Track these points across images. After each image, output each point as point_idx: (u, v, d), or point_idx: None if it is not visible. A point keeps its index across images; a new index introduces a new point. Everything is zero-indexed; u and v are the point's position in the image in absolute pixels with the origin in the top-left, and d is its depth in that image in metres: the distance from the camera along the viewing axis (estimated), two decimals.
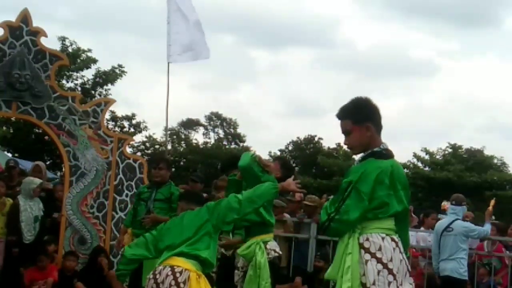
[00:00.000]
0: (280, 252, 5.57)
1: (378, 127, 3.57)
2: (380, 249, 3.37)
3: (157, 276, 4.44)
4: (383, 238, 3.40)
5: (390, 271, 3.35)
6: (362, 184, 3.39)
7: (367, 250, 3.38)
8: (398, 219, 3.51)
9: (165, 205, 6.63)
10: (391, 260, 3.37)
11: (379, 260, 3.36)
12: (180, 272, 4.42)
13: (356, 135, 3.54)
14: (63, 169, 10.29)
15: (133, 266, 4.86)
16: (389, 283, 3.34)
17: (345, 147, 3.75)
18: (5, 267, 7.66)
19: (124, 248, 5.11)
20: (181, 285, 4.38)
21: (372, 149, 3.53)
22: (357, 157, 3.67)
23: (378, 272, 3.34)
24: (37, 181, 7.98)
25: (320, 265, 7.74)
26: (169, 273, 4.42)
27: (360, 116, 3.53)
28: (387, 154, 3.54)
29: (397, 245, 3.43)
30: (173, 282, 4.40)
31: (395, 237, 3.46)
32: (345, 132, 3.58)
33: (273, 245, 5.35)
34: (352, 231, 3.42)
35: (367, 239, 3.40)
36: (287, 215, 8.50)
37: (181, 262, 4.46)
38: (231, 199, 4.59)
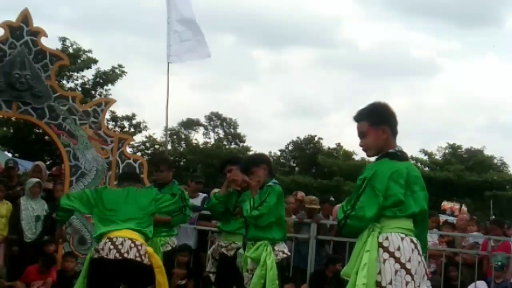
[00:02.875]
0: (289, 253, 5.56)
1: (394, 131, 3.62)
2: (399, 249, 3.38)
3: (120, 247, 4.89)
4: (402, 238, 3.41)
5: (408, 271, 3.35)
6: (376, 181, 3.42)
7: (385, 249, 3.38)
8: (416, 220, 3.52)
9: None
10: (409, 261, 3.37)
11: (397, 260, 3.36)
12: (140, 245, 4.98)
13: (371, 137, 3.60)
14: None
15: (69, 215, 5.65)
16: (407, 283, 3.34)
17: (360, 149, 3.80)
18: (8, 266, 7.69)
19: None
20: (143, 256, 4.96)
21: (387, 151, 3.58)
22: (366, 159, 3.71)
23: (396, 271, 3.34)
24: (33, 180, 8.00)
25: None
26: (132, 245, 4.93)
27: (376, 118, 3.60)
28: (401, 156, 3.59)
29: (416, 247, 3.44)
30: (137, 254, 4.93)
31: (414, 239, 3.47)
32: (361, 134, 3.64)
33: (281, 246, 5.35)
34: (372, 230, 3.43)
35: (387, 238, 3.41)
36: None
37: (137, 237, 5.03)
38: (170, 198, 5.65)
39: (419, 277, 3.41)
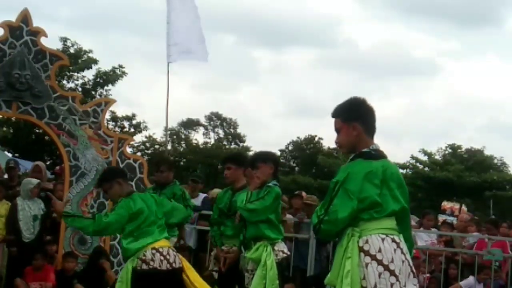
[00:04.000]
0: (288, 253, 5.56)
1: (368, 128, 3.53)
2: (380, 250, 3.31)
3: (168, 257, 5.06)
4: (383, 239, 3.34)
5: (392, 273, 3.29)
6: (349, 183, 3.35)
7: (367, 253, 3.32)
8: (398, 218, 3.46)
9: None
10: (392, 261, 3.31)
11: (379, 262, 3.30)
12: (177, 253, 5.24)
13: (343, 134, 3.54)
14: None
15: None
16: (392, 284, 3.28)
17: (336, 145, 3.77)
18: (7, 267, 7.69)
19: None
20: (182, 262, 5.20)
21: (360, 150, 3.50)
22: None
23: (379, 274, 3.28)
24: (34, 181, 7.99)
25: None
26: (174, 253, 5.13)
27: (349, 115, 3.52)
28: (376, 155, 3.50)
29: (398, 246, 3.37)
30: (180, 261, 5.15)
31: (396, 238, 3.40)
32: (336, 130, 3.59)
33: (281, 246, 5.35)
34: (351, 235, 3.37)
35: (367, 242, 3.34)
36: (288, 215, 8.50)
37: (169, 244, 5.27)
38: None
39: (404, 276, 3.34)
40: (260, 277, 5.13)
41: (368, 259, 3.31)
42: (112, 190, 5.24)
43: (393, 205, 3.42)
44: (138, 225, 5.07)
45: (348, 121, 3.51)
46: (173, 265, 5.05)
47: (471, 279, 7.77)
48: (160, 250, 5.03)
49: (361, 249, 3.34)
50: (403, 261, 3.36)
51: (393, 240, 3.37)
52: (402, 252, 3.38)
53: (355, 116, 3.51)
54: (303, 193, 9.42)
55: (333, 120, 3.61)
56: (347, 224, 3.37)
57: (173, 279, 5.07)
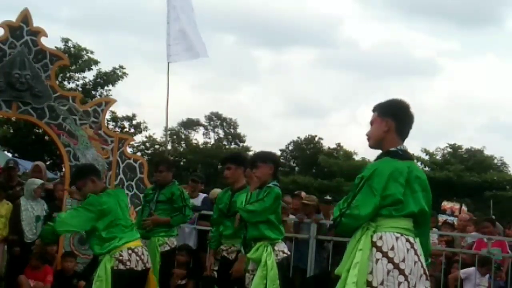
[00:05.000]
0: (289, 253, 5.56)
1: (401, 129, 3.58)
2: (392, 248, 3.34)
3: (142, 257, 5.09)
4: (397, 238, 3.37)
5: (402, 272, 3.31)
6: (374, 180, 3.39)
7: (379, 249, 3.34)
8: (417, 222, 3.48)
9: (167, 206, 6.66)
10: (403, 261, 3.32)
11: (390, 260, 3.32)
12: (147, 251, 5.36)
13: (374, 127, 3.61)
14: (63, 169, 10.31)
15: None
16: (399, 283, 3.29)
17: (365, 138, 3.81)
18: (9, 267, 7.69)
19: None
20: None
21: (387, 147, 3.55)
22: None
23: (388, 272, 3.30)
24: (38, 181, 7.99)
25: None
26: (146, 253, 5.19)
27: (386, 110, 3.60)
28: (403, 155, 3.54)
29: (412, 247, 3.39)
30: (150, 260, 5.26)
31: (411, 238, 3.41)
32: (370, 123, 3.66)
33: (281, 246, 5.35)
34: (366, 228, 3.39)
35: (381, 238, 3.36)
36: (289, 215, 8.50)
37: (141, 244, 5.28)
38: None
39: (415, 277, 3.36)
40: (261, 277, 5.13)
41: (379, 255, 3.34)
42: (85, 188, 5.25)
43: (412, 206, 3.44)
44: (110, 222, 5.03)
45: (383, 115, 3.58)
46: (147, 265, 5.12)
47: (471, 269, 7.77)
48: (136, 250, 5.06)
49: (374, 244, 3.36)
50: (415, 262, 3.38)
51: (407, 240, 3.39)
52: (416, 253, 3.40)
53: (391, 112, 3.59)
54: (303, 193, 9.42)
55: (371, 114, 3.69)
56: (368, 219, 3.40)
57: (144, 278, 5.18)
